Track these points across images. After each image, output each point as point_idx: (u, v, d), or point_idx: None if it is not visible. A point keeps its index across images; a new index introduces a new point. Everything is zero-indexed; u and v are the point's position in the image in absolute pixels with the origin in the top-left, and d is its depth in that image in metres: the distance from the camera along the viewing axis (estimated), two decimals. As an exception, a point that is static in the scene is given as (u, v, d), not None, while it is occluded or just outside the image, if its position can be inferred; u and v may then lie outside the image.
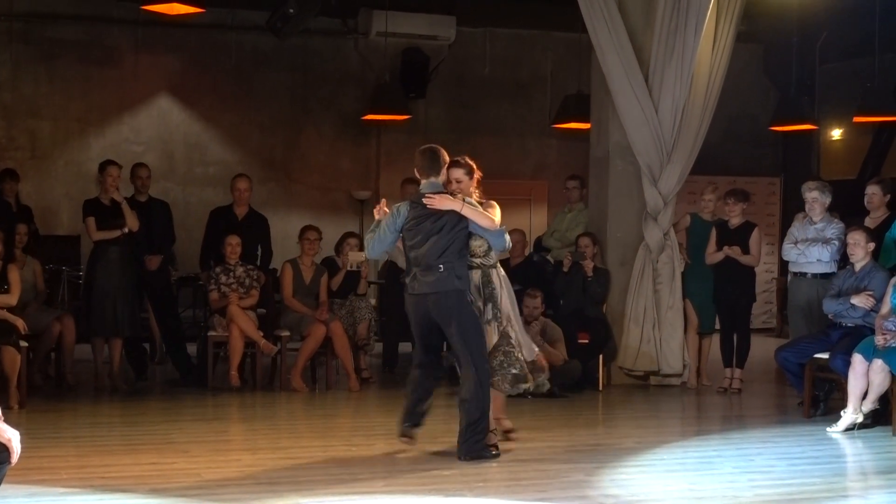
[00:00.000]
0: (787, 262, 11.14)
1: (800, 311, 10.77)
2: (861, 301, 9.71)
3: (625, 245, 11.96)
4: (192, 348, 12.22)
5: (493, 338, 8.16)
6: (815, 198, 10.69)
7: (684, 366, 11.80)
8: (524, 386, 8.33)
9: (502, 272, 8.32)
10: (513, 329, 8.23)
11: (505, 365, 8.18)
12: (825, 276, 10.51)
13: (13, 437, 4.80)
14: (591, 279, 11.66)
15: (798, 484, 7.34)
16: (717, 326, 11.94)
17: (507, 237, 8.24)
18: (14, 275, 10.34)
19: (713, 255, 11.59)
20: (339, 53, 16.66)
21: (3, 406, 5.14)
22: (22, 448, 4.86)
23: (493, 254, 8.25)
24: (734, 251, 11.45)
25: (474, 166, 8.21)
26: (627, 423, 10.24)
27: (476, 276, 8.14)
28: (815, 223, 10.72)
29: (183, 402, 10.70)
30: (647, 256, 11.73)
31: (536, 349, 8.49)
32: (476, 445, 7.93)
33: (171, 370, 12.23)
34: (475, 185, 8.21)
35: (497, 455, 8.00)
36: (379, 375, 12.30)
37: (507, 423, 8.59)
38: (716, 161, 15.50)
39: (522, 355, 8.23)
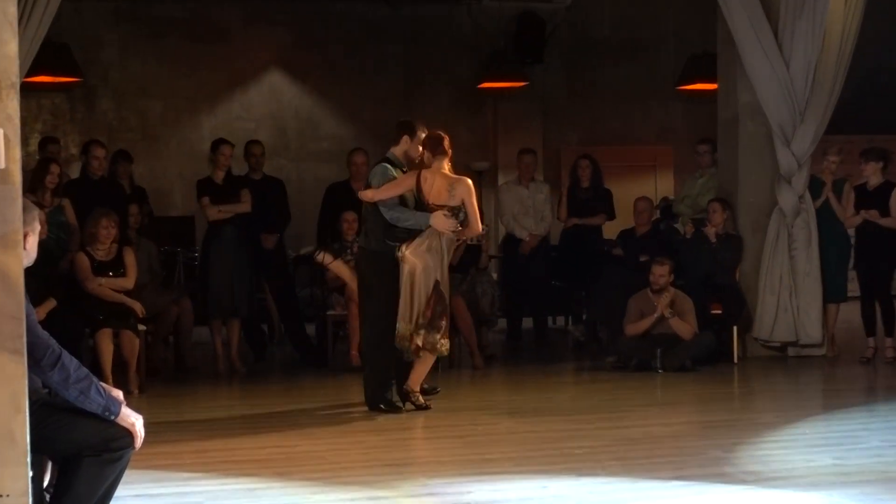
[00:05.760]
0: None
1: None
2: None
3: (757, 210, 11.70)
4: (310, 328, 12.12)
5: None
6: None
7: (824, 336, 11.48)
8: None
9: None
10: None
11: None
12: None
13: (137, 422, 4.71)
14: (716, 245, 11.41)
15: (952, 457, 7.04)
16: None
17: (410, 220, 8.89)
18: (130, 258, 10.21)
19: (851, 219, 11.28)
20: (451, 21, 16.39)
21: (123, 391, 5.03)
22: (145, 433, 4.78)
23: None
24: (871, 215, 11.06)
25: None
26: (765, 396, 10.10)
27: None
28: None
29: (303, 383, 10.65)
30: (781, 221, 11.45)
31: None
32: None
33: (290, 351, 12.16)
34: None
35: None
36: (503, 352, 12.08)
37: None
38: (851, 119, 14.99)
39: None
